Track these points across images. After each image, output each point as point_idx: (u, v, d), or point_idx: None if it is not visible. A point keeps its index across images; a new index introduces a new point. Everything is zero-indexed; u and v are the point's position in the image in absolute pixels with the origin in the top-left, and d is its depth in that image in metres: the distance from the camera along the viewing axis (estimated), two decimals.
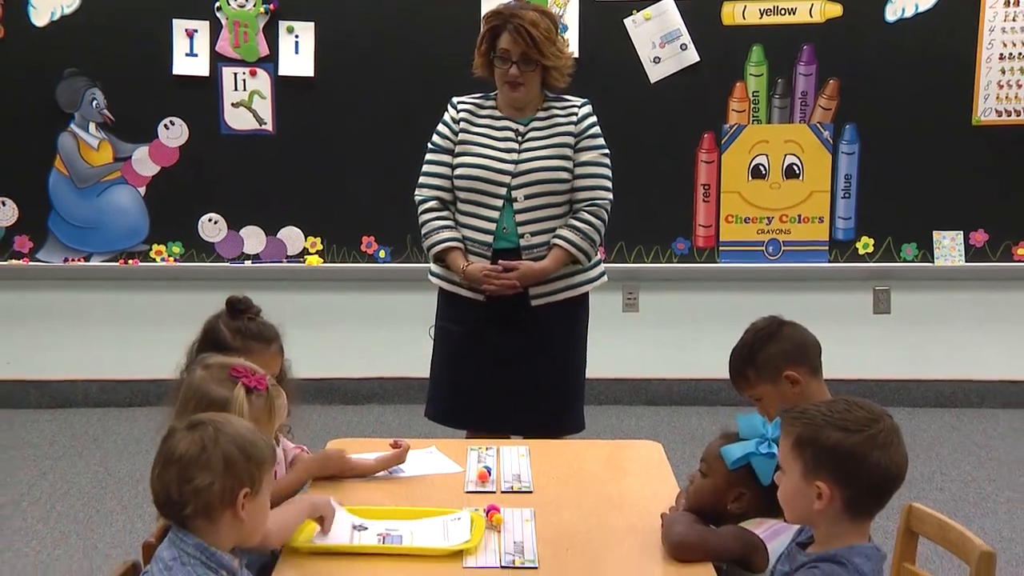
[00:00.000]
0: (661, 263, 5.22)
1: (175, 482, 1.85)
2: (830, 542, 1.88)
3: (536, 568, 2.12)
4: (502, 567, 2.12)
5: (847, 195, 5.17)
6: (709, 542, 2.14)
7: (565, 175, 3.41)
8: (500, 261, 3.36)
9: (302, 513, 2.22)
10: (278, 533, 2.15)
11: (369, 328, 5.35)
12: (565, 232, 3.40)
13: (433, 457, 2.74)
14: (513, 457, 2.75)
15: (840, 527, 1.87)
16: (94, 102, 5.11)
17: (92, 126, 5.13)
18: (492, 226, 3.39)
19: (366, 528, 2.26)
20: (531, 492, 2.52)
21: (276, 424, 2.26)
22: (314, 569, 2.12)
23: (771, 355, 2.43)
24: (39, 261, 5.21)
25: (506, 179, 3.38)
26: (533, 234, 3.40)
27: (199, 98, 5.10)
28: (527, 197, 3.38)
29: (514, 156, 3.41)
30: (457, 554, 2.16)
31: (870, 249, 5.20)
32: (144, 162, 5.15)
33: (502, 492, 2.52)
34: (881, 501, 1.89)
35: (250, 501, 1.88)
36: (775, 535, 2.10)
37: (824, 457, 1.86)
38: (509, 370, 3.44)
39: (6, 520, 4.03)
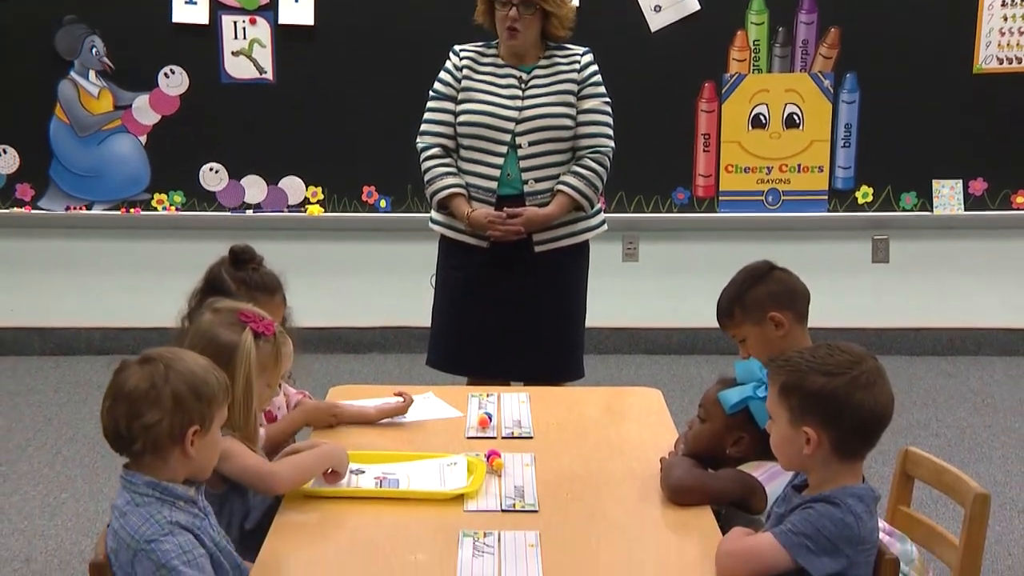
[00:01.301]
0: (661, 213, 5.20)
1: (124, 417, 1.84)
2: (824, 485, 1.90)
3: (536, 512, 2.14)
4: (503, 511, 2.14)
5: (847, 144, 5.14)
6: (707, 485, 2.16)
7: (569, 122, 3.40)
8: (505, 208, 3.36)
9: (321, 461, 2.22)
10: (295, 478, 2.16)
11: (370, 277, 5.35)
12: (569, 178, 3.40)
13: (431, 402, 2.75)
14: (513, 403, 2.77)
15: (831, 470, 1.89)
16: (93, 49, 5.07)
17: (92, 74, 5.09)
18: (496, 172, 3.39)
19: (363, 472, 2.27)
20: (531, 438, 2.54)
21: (282, 370, 2.26)
22: (316, 513, 2.14)
23: (759, 296, 2.44)
24: (41, 209, 5.19)
25: (510, 125, 3.37)
26: (537, 180, 3.40)
27: (199, 46, 5.05)
28: (531, 143, 3.38)
29: (518, 103, 3.39)
30: (458, 498, 2.18)
31: (869, 198, 5.18)
32: (144, 111, 5.12)
33: (503, 438, 2.54)
34: (869, 441, 1.91)
35: (200, 438, 1.87)
36: (773, 477, 2.11)
37: (809, 402, 1.87)
38: (511, 315, 3.45)
39: (13, 464, 4.07)
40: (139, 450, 1.86)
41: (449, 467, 2.28)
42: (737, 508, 2.15)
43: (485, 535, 2.01)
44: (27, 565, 3.32)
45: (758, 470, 2.15)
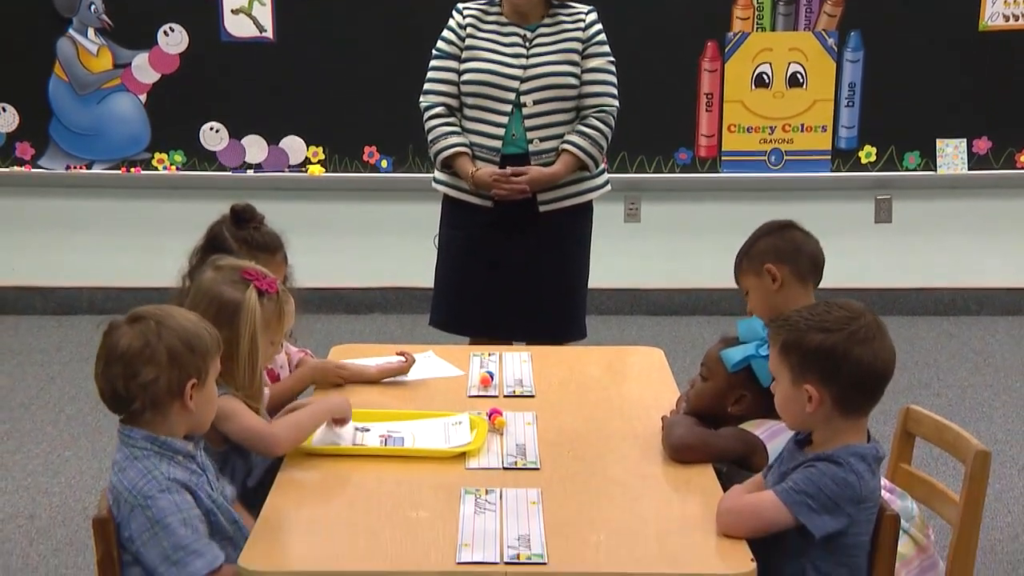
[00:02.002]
0: (663, 173, 5.18)
1: (121, 378, 1.85)
2: (828, 443, 1.90)
3: (538, 469, 2.15)
4: (504, 468, 2.15)
5: (851, 103, 5.11)
6: (709, 443, 2.16)
7: (573, 80, 3.39)
8: (509, 167, 3.34)
9: (318, 417, 2.22)
10: (294, 438, 2.15)
11: (371, 238, 5.34)
12: (574, 138, 3.39)
13: (432, 361, 2.75)
14: (515, 362, 2.77)
15: (834, 427, 1.89)
16: (92, 7, 5.03)
17: (91, 31, 5.06)
18: (501, 131, 3.37)
19: (368, 430, 2.27)
20: (533, 396, 2.55)
21: (285, 328, 2.25)
22: (318, 470, 2.15)
23: (762, 248, 2.46)
24: (41, 168, 5.17)
25: (515, 84, 3.35)
26: (542, 139, 3.38)
27: (198, 4, 5.01)
28: (536, 102, 3.36)
29: (522, 61, 3.37)
30: (460, 455, 2.19)
31: (873, 158, 5.16)
32: (144, 69, 5.08)
33: (504, 396, 2.54)
34: (872, 397, 1.91)
35: (197, 391, 1.88)
36: (774, 435, 2.12)
37: (808, 360, 1.88)
38: (514, 275, 3.45)
39: (17, 422, 4.08)
40: (139, 409, 1.87)
41: (454, 426, 2.29)
42: (738, 466, 2.16)
43: (487, 492, 2.01)
44: (31, 522, 3.35)
45: (759, 428, 2.16)
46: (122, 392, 1.86)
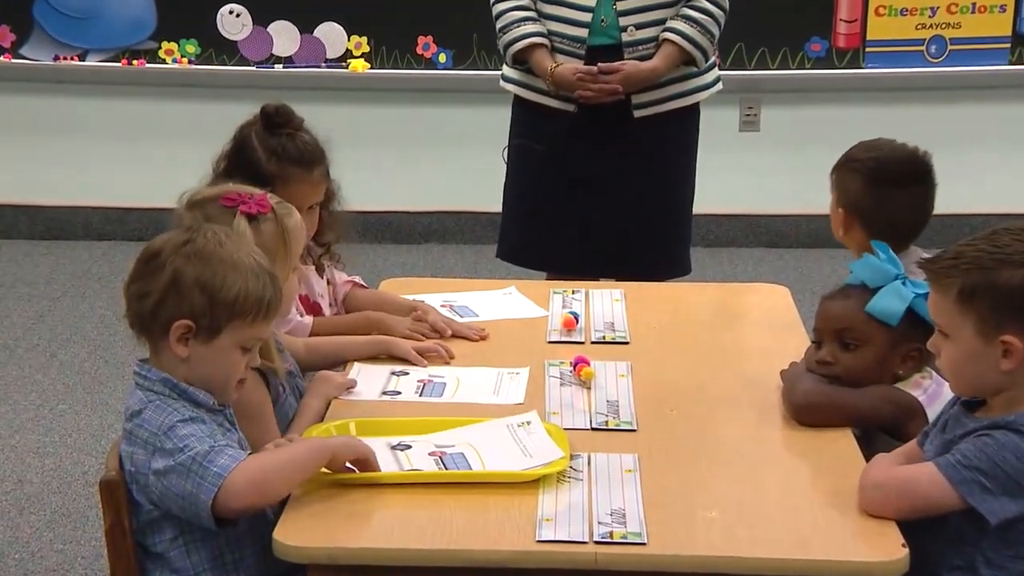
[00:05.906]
0: (790, 69, 5.16)
1: (130, 275, 1.96)
2: (1012, 406, 1.87)
3: (634, 431, 2.17)
4: (593, 428, 2.17)
5: None
6: (843, 403, 2.16)
7: None
8: (599, 64, 3.33)
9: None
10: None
11: (427, 151, 5.36)
12: (678, 24, 3.37)
13: (512, 299, 2.79)
14: (605, 302, 2.79)
15: None
16: None
17: None
18: (587, 17, 3.36)
19: (409, 447, 2.07)
20: (627, 343, 2.57)
21: (297, 249, 2.24)
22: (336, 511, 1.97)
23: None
24: (24, 59, 5.25)
25: None
26: (638, 27, 3.37)
27: None
28: None
29: None
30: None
31: None
32: None
33: (592, 343, 2.57)
34: None
35: (199, 342, 1.92)
36: (935, 398, 2.10)
37: (1009, 303, 1.84)
38: (602, 196, 3.46)
39: (0, 368, 4.19)
40: (129, 321, 1.96)
41: (520, 427, 2.14)
42: (888, 435, 2.14)
43: (572, 458, 2.03)
44: (20, 487, 3.45)
45: (918, 388, 2.15)
46: (124, 293, 1.96)
